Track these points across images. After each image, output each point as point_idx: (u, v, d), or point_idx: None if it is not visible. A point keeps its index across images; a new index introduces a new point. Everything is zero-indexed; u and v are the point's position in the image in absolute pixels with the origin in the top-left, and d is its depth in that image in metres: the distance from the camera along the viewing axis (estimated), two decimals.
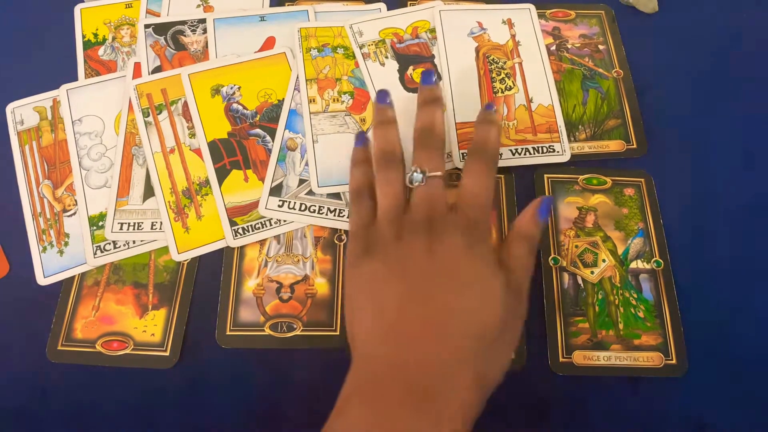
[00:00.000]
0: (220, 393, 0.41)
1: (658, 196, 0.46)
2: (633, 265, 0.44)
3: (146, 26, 0.52)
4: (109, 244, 0.45)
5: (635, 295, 0.43)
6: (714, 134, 0.49)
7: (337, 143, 0.46)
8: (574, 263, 0.44)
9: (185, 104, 0.48)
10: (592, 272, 0.44)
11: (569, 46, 0.52)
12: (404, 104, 0.47)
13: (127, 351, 0.42)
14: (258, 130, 0.48)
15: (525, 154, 0.47)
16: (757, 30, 0.54)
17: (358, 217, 0.39)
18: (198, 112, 0.48)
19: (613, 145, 0.48)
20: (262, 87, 0.49)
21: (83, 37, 0.53)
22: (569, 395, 0.40)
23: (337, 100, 0.48)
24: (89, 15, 0.54)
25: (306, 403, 0.40)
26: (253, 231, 0.45)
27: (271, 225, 0.45)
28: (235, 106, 0.48)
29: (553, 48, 0.52)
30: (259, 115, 0.48)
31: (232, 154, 0.47)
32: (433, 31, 0.51)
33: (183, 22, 0.52)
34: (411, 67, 0.50)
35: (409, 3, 0.54)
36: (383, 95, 0.43)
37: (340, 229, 0.45)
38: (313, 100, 0.48)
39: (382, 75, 0.49)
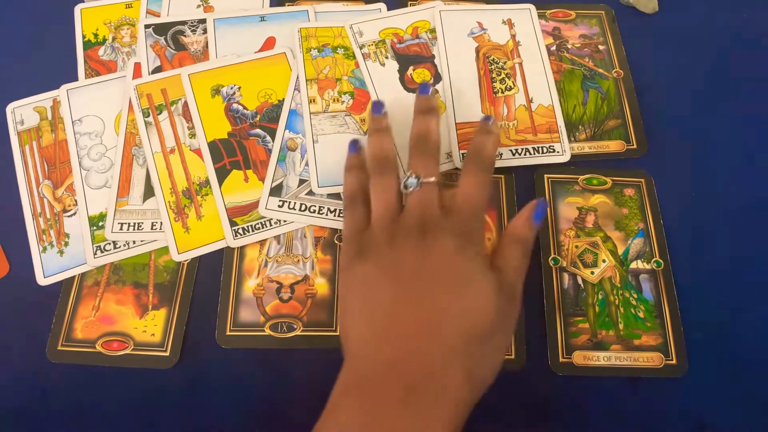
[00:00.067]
0: (220, 393, 0.41)
1: (658, 196, 0.46)
2: (633, 265, 0.44)
3: (146, 26, 0.52)
4: (109, 244, 0.45)
5: (635, 296, 0.43)
6: (714, 134, 0.49)
7: (337, 143, 0.46)
8: (574, 263, 0.44)
9: (185, 104, 0.48)
10: (592, 272, 0.44)
11: (569, 47, 0.52)
12: (404, 105, 0.47)
13: (127, 351, 0.42)
14: (258, 131, 0.48)
15: (525, 155, 0.47)
16: (757, 30, 0.54)
17: (352, 222, 0.40)
18: (198, 112, 0.48)
19: (613, 145, 0.48)
20: (262, 87, 0.49)
21: (83, 37, 0.53)
22: (569, 395, 0.40)
23: (338, 101, 0.48)
24: (89, 15, 0.54)
25: (306, 403, 0.40)
26: (253, 231, 0.45)
27: (271, 225, 0.45)
28: (235, 106, 0.48)
29: (554, 48, 0.52)
30: (259, 116, 0.48)
31: (233, 154, 0.47)
32: (433, 31, 0.51)
33: (183, 22, 0.52)
34: (411, 68, 0.50)
35: (409, 3, 0.54)
36: (378, 106, 0.44)
37: (340, 230, 0.45)
38: (314, 101, 0.48)
39: (382, 75, 0.49)
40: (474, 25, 0.52)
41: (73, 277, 0.44)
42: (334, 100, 0.48)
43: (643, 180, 0.47)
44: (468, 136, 0.47)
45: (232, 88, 0.49)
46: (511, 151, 0.47)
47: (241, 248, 0.45)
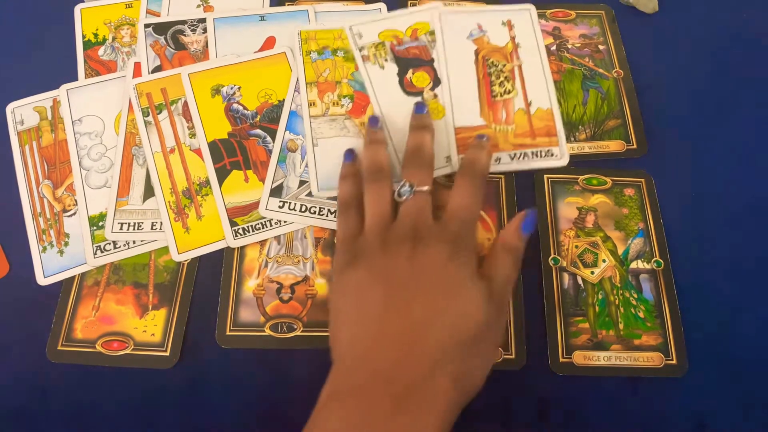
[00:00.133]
0: (220, 393, 0.41)
1: (658, 196, 0.46)
2: (633, 265, 0.44)
3: (146, 26, 0.52)
4: (109, 244, 0.45)
5: (635, 295, 0.43)
6: (714, 134, 0.49)
7: (336, 147, 0.46)
8: (574, 263, 0.44)
9: (185, 104, 0.48)
10: (592, 272, 0.44)
11: (569, 46, 0.52)
12: (403, 108, 0.47)
13: (127, 351, 0.42)
14: (258, 131, 0.48)
15: (523, 159, 0.47)
16: (757, 30, 0.54)
17: (345, 228, 0.40)
18: (198, 112, 0.48)
19: (613, 146, 0.48)
20: (262, 87, 0.49)
21: (83, 37, 0.53)
22: (569, 395, 0.40)
23: (337, 104, 0.48)
24: (89, 15, 0.54)
25: (306, 403, 0.40)
26: (253, 231, 0.45)
27: (271, 225, 0.45)
28: (235, 106, 0.48)
29: (554, 48, 0.52)
30: (259, 116, 0.48)
31: (233, 154, 0.47)
32: (432, 33, 0.51)
33: (183, 22, 0.52)
34: (411, 71, 0.49)
35: (409, 3, 0.54)
36: (374, 121, 0.45)
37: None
38: (313, 104, 0.48)
39: (382, 78, 0.49)
40: (473, 27, 0.51)
41: (73, 277, 0.44)
42: (333, 104, 0.48)
43: (643, 180, 0.47)
44: (466, 142, 0.46)
45: (232, 88, 0.49)
46: (509, 155, 0.47)
47: (242, 248, 0.45)
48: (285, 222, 0.45)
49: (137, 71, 0.50)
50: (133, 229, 0.45)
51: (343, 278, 0.37)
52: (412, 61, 0.50)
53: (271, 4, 0.54)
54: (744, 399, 0.40)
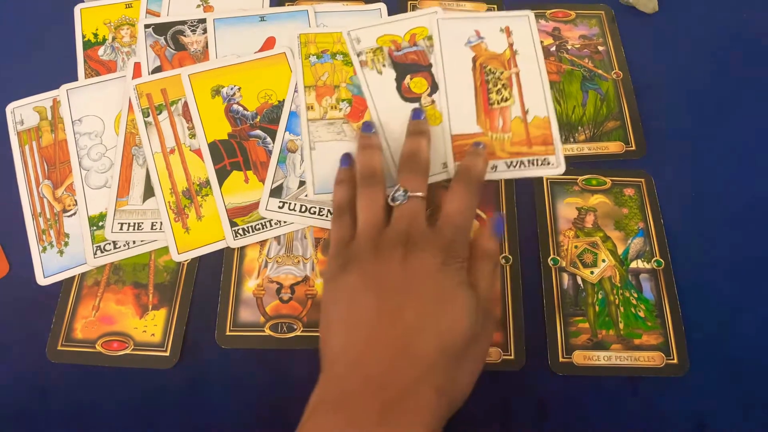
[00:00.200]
0: (220, 393, 0.41)
1: (658, 196, 0.46)
2: (633, 264, 0.44)
3: (146, 26, 0.52)
4: (109, 244, 0.45)
5: (635, 295, 0.43)
6: (714, 134, 0.49)
7: (334, 151, 0.46)
8: (573, 263, 0.44)
9: (185, 104, 0.48)
10: (591, 272, 0.44)
11: (569, 47, 0.52)
12: (401, 114, 0.47)
13: (127, 351, 0.42)
14: (258, 132, 0.48)
15: (520, 167, 0.47)
16: (757, 30, 0.54)
17: (338, 233, 0.40)
18: (198, 112, 0.48)
19: (613, 147, 0.48)
20: (262, 88, 0.49)
21: (83, 37, 0.53)
22: (569, 395, 0.40)
23: (335, 108, 0.48)
24: (89, 15, 0.54)
25: (306, 403, 0.40)
26: (253, 232, 0.45)
27: (271, 226, 0.45)
28: (235, 107, 0.48)
29: (553, 49, 0.52)
30: (259, 117, 0.48)
31: (233, 155, 0.47)
32: (431, 38, 0.51)
33: (183, 22, 0.52)
34: (408, 76, 0.49)
35: (409, 2, 0.54)
36: (368, 126, 0.45)
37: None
38: (311, 107, 0.48)
39: (380, 84, 0.49)
40: (471, 33, 0.51)
41: (73, 277, 0.44)
42: (331, 108, 0.48)
43: (643, 180, 0.47)
44: (463, 149, 0.46)
45: (232, 89, 0.49)
46: (505, 163, 0.47)
47: (241, 249, 0.45)
48: (285, 222, 0.45)
49: (137, 71, 0.50)
50: (133, 229, 0.45)
51: (335, 283, 0.37)
52: (410, 66, 0.50)
53: (271, 5, 0.54)
54: (744, 399, 0.40)
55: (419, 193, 0.39)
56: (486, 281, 0.37)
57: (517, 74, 0.50)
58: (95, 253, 0.44)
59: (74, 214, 0.46)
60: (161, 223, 0.45)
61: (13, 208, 0.46)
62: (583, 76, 0.51)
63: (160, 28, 0.52)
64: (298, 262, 0.44)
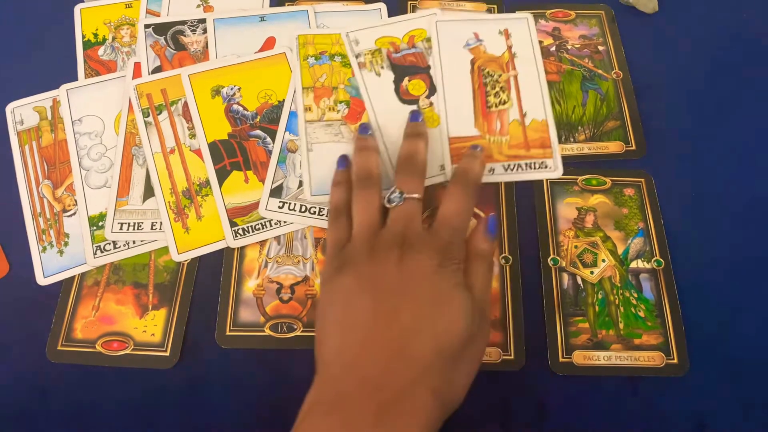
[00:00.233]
0: (220, 393, 0.41)
1: (658, 196, 0.46)
2: (633, 264, 0.44)
3: (146, 26, 0.52)
4: (109, 244, 0.45)
5: (635, 295, 0.43)
6: (714, 134, 0.49)
7: (331, 152, 0.46)
8: (573, 263, 0.44)
9: (185, 105, 0.48)
10: (591, 272, 0.44)
11: (569, 47, 0.52)
12: (398, 116, 0.47)
13: (127, 351, 0.42)
14: (258, 132, 0.48)
15: (517, 170, 0.47)
16: (757, 30, 0.54)
17: (335, 235, 0.40)
18: (198, 112, 0.48)
19: (613, 147, 0.48)
20: (262, 88, 0.49)
21: (83, 37, 0.53)
22: (569, 395, 0.40)
23: (333, 109, 0.48)
24: (89, 15, 0.54)
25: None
26: (253, 232, 0.45)
27: (271, 226, 0.45)
28: (235, 107, 0.48)
29: (553, 49, 0.52)
30: (259, 117, 0.48)
31: (233, 155, 0.47)
32: (429, 40, 0.51)
33: (183, 22, 0.52)
34: (406, 79, 0.49)
35: (409, 2, 0.54)
36: (365, 128, 0.45)
37: None
38: (309, 109, 0.48)
39: (378, 86, 0.49)
40: (470, 36, 0.51)
41: (73, 277, 0.44)
42: (329, 109, 0.48)
43: (643, 180, 0.47)
44: (460, 152, 0.46)
45: (232, 89, 0.49)
46: (503, 166, 0.47)
47: (241, 249, 0.45)
48: (285, 222, 0.45)
49: (137, 71, 0.50)
50: (133, 229, 0.45)
51: (331, 285, 0.37)
52: (409, 68, 0.50)
53: (271, 5, 0.54)
54: (744, 399, 0.40)
55: (416, 195, 0.39)
56: (481, 282, 0.37)
57: (516, 77, 0.50)
58: (95, 253, 0.44)
59: (74, 214, 0.46)
60: (161, 223, 0.45)
61: (13, 208, 0.46)
62: (583, 76, 0.51)
63: (160, 28, 0.52)
64: (298, 262, 0.44)
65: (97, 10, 0.54)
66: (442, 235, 0.37)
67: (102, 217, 0.45)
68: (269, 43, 0.51)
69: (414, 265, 0.35)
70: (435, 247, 0.36)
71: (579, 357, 0.41)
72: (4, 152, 0.48)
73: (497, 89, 0.49)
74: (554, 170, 0.47)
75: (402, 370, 0.32)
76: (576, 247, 0.45)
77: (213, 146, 0.47)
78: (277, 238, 0.45)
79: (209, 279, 0.44)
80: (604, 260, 0.44)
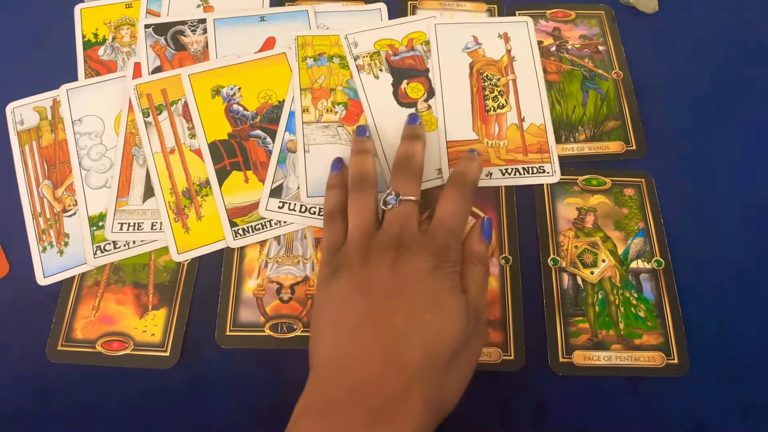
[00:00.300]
0: (220, 393, 0.41)
1: (658, 196, 0.46)
2: (633, 264, 0.44)
3: (146, 26, 0.52)
4: (109, 244, 0.45)
5: (636, 295, 0.43)
6: (714, 134, 0.49)
7: (328, 154, 0.46)
8: (573, 264, 0.44)
9: (185, 105, 0.48)
10: (591, 272, 0.44)
11: (569, 47, 0.52)
12: (396, 119, 0.47)
13: (127, 351, 0.42)
14: (258, 132, 0.48)
15: (515, 175, 0.47)
16: (757, 30, 0.54)
17: (329, 238, 0.40)
18: (198, 112, 0.48)
19: (613, 147, 0.48)
20: (262, 88, 0.49)
21: (83, 37, 0.53)
22: (569, 395, 0.40)
23: (331, 111, 0.48)
24: (89, 15, 0.54)
25: None
26: (253, 232, 0.45)
27: (271, 226, 0.45)
28: (235, 107, 0.48)
29: (553, 49, 0.52)
30: (259, 117, 0.48)
31: (233, 155, 0.47)
32: (428, 43, 0.51)
33: (183, 22, 0.52)
34: (405, 81, 0.49)
35: (409, 3, 0.54)
36: (362, 130, 0.45)
37: None
38: (307, 110, 0.48)
39: (376, 88, 0.49)
40: (469, 39, 0.51)
41: (73, 277, 0.44)
42: (327, 111, 0.48)
43: (643, 180, 0.47)
44: (458, 155, 0.46)
45: (232, 89, 0.49)
46: (500, 170, 0.47)
47: (241, 249, 0.45)
48: (285, 222, 0.45)
49: (137, 72, 0.50)
50: (133, 230, 0.45)
51: (326, 288, 0.37)
52: (407, 71, 0.50)
53: (271, 5, 0.54)
54: (744, 399, 0.40)
55: (412, 197, 0.39)
56: (477, 285, 0.37)
57: (514, 81, 0.50)
58: (95, 253, 0.44)
59: (74, 214, 0.46)
60: (161, 223, 0.45)
61: (13, 208, 0.46)
62: (583, 75, 0.51)
63: (160, 28, 0.52)
64: (298, 262, 0.44)
65: (97, 10, 0.54)
66: (437, 238, 0.37)
67: (102, 217, 0.45)
68: (269, 43, 0.51)
69: (409, 267, 0.35)
70: (430, 250, 0.36)
71: (579, 357, 0.41)
72: (4, 152, 0.48)
73: (496, 93, 0.49)
74: (552, 175, 0.47)
75: (394, 376, 0.32)
76: (576, 247, 0.45)
77: (213, 146, 0.47)
78: (277, 238, 0.45)
79: (209, 279, 0.44)
80: (604, 260, 0.44)
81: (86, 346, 0.42)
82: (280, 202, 0.45)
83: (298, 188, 0.46)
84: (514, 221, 0.45)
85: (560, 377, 0.41)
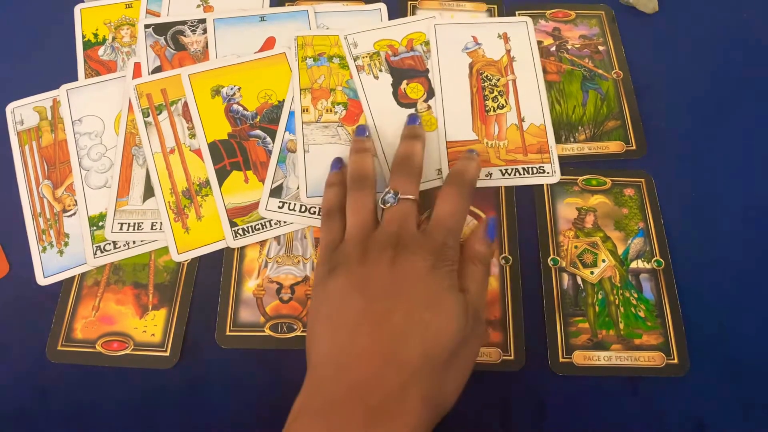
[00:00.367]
0: (220, 393, 0.41)
1: (658, 196, 0.46)
2: (633, 264, 0.44)
3: (146, 26, 0.52)
4: (109, 244, 0.45)
5: (636, 295, 0.43)
6: (714, 134, 0.49)
7: (327, 154, 0.46)
8: (573, 264, 0.44)
9: (185, 105, 0.48)
10: (591, 272, 0.44)
11: (569, 47, 0.52)
12: (396, 119, 0.47)
13: (127, 351, 0.42)
14: (258, 132, 0.48)
15: (515, 175, 0.47)
16: (757, 30, 0.54)
17: (327, 236, 0.40)
18: (198, 112, 0.48)
19: (613, 147, 0.48)
20: (262, 88, 0.49)
21: (83, 37, 0.53)
22: (569, 395, 0.40)
23: (330, 111, 0.48)
24: (89, 15, 0.54)
25: None
26: (253, 232, 0.45)
27: (271, 226, 0.45)
28: (235, 107, 0.48)
29: (553, 49, 0.52)
30: (259, 117, 0.48)
31: (233, 155, 0.47)
32: (428, 43, 0.51)
33: (183, 22, 0.52)
34: (405, 82, 0.49)
35: (409, 3, 0.54)
36: (361, 130, 0.45)
37: None
38: (307, 110, 0.48)
39: (376, 89, 0.49)
40: (469, 39, 0.51)
41: (73, 277, 0.44)
42: (327, 111, 0.48)
43: (643, 180, 0.47)
44: (458, 156, 0.46)
45: (232, 89, 0.49)
46: (500, 170, 0.47)
47: (241, 249, 0.45)
48: (285, 222, 0.45)
49: (137, 72, 0.50)
50: (133, 230, 0.45)
51: (323, 287, 0.37)
52: (407, 71, 0.50)
53: (271, 5, 0.54)
54: (744, 399, 0.40)
55: (410, 196, 0.39)
56: (476, 285, 0.37)
57: (514, 81, 0.50)
58: (95, 253, 0.44)
59: (74, 214, 0.46)
60: (161, 223, 0.45)
61: (13, 208, 0.46)
62: (583, 75, 0.51)
63: (160, 28, 0.52)
64: (298, 262, 0.44)
65: (97, 11, 0.54)
66: (436, 237, 0.37)
67: (102, 217, 0.45)
68: (269, 43, 0.51)
69: (407, 266, 0.35)
70: (429, 249, 0.36)
71: (579, 357, 0.41)
72: (4, 152, 0.48)
73: (495, 93, 0.49)
74: (552, 175, 0.47)
75: (392, 374, 0.32)
76: (576, 247, 0.45)
77: (213, 146, 0.47)
78: (277, 238, 0.45)
79: (209, 279, 0.44)
80: (604, 260, 0.44)
81: (86, 346, 0.42)
82: (280, 202, 0.45)
83: (298, 188, 0.46)
84: (514, 221, 0.45)
85: (560, 377, 0.41)
